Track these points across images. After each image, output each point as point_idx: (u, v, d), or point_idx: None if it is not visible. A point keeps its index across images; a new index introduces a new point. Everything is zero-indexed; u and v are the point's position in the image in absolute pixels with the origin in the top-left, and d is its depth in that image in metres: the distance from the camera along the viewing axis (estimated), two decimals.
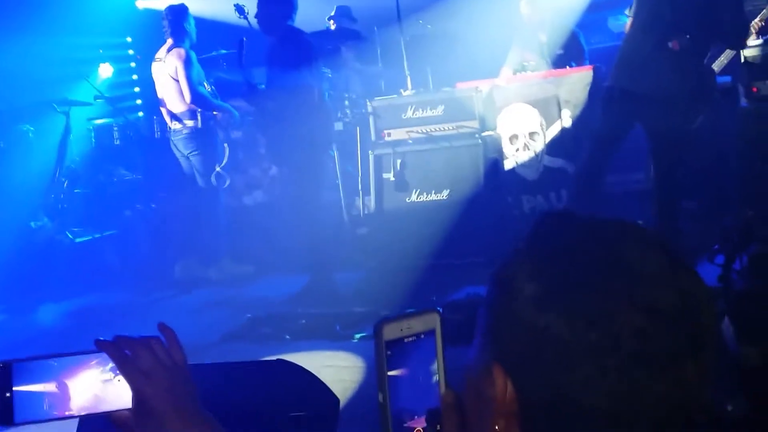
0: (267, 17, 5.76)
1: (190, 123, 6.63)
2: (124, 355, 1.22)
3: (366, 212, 6.44)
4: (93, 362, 1.24)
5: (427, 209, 5.90)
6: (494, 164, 5.94)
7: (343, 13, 7.68)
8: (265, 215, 6.96)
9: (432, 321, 1.00)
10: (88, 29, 8.56)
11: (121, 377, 1.22)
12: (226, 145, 6.80)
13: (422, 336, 0.99)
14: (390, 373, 0.97)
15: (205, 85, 6.71)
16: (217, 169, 6.71)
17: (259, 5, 5.79)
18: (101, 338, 1.25)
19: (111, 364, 1.23)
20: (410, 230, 5.87)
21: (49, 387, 1.21)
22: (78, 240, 7.20)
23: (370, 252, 6.13)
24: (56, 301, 6.58)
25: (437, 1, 7.86)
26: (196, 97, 6.52)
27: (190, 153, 6.67)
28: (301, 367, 2.48)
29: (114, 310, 6.23)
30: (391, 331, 0.97)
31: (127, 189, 7.70)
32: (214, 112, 6.72)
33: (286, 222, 6.38)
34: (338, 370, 4.11)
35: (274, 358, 2.78)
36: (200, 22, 7.01)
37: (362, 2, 7.50)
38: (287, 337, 4.79)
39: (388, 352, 0.97)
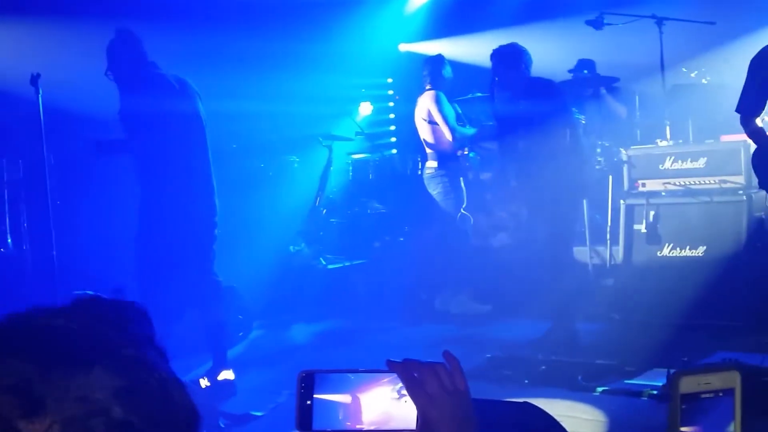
0: (505, 71, 5.82)
1: (435, 164, 6.90)
2: (413, 377, 1.29)
3: (613, 263, 6.27)
4: (384, 380, 1.31)
5: (680, 265, 5.64)
6: (759, 223, 5.56)
7: (584, 67, 7.58)
8: (509, 257, 6.98)
9: (732, 380, 0.98)
10: (354, 70, 9.16)
11: (408, 398, 1.30)
12: (463, 186, 6.96)
13: (720, 394, 0.97)
14: (682, 429, 0.96)
15: (458, 127, 6.92)
16: (462, 210, 6.89)
17: (493, 60, 5.86)
18: (392, 359, 1.34)
19: (400, 385, 1.31)
20: (660, 285, 5.64)
21: (344, 399, 1.31)
22: (330, 266, 7.64)
23: (615, 304, 5.95)
24: (307, 322, 7.02)
25: (704, 51, 7.53)
26: (448, 137, 6.77)
27: (436, 192, 6.92)
28: (547, 413, 2.46)
29: (357, 335, 6.54)
30: (687, 385, 0.96)
31: (378, 221, 8.07)
32: (464, 152, 6.91)
33: (530, 266, 6.35)
34: (579, 422, 4.02)
35: (520, 400, 2.78)
36: (458, 66, 7.28)
37: (624, 48, 7.36)
38: (526, 381, 4.77)
39: (683, 406, 0.96)
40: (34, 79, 5.25)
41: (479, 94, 7.88)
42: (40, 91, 5.30)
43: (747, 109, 4.72)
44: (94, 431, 0.84)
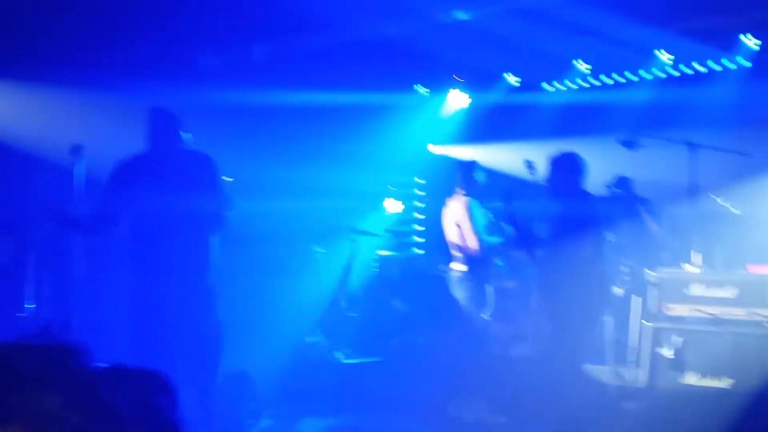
0: (558, 181, 5.91)
1: (462, 267, 6.90)
2: None
3: (635, 386, 6.18)
4: None
5: (706, 395, 5.54)
6: None
7: (620, 185, 7.67)
8: (527, 368, 6.89)
9: None
10: (386, 167, 9.30)
11: None
12: (489, 292, 6.95)
13: None
14: None
15: (485, 236, 6.94)
16: (485, 316, 6.86)
17: (552, 170, 5.96)
18: None
19: None
20: (683, 414, 5.53)
21: None
22: (346, 361, 7.57)
23: (635, 429, 5.83)
24: (318, 415, 6.92)
25: (736, 181, 7.61)
26: (474, 245, 6.80)
27: (461, 296, 6.90)
28: None
29: None
30: None
31: (398, 319, 8.04)
32: (491, 261, 6.94)
33: (548, 379, 6.28)
34: None
35: None
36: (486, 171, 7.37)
37: (655, 170, 7.45)
38: None
39: None
40: (75, 150, 5.38)
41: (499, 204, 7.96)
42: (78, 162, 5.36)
43: None
44: None
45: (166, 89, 7.20)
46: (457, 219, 6.93)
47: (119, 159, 5.34)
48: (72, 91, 7.15)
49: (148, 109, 5.39)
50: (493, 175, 7.87)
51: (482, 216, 6.99)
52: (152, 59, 7.66)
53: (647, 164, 7.39)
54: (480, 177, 7.11)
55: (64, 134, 7.04)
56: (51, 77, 6.96)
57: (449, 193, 7.20)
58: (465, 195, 7.00)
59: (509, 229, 6.57)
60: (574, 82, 9.35)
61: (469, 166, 7.17)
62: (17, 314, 7.07)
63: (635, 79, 8.87)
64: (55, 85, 7.06)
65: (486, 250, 6.91)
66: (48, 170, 7.14)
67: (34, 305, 7.03)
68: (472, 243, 6.85)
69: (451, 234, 6.99)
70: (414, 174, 10.19)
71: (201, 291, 5.12)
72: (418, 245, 9.78)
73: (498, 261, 7.09)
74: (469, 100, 9.83)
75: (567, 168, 5.91)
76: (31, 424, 0.94)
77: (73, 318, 6.42)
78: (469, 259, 6.91)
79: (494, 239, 7.00)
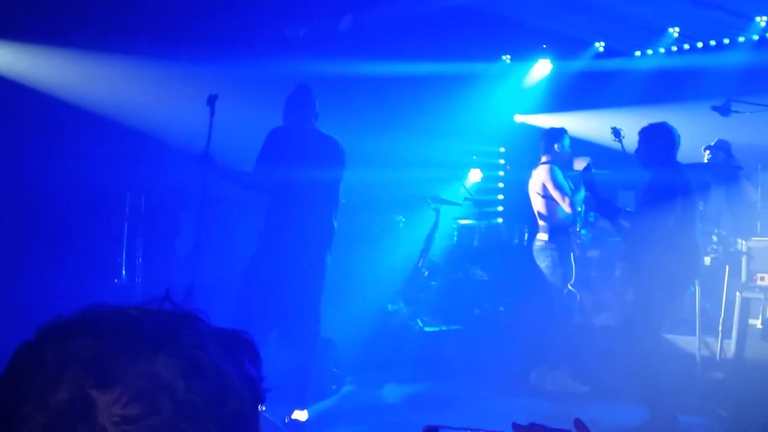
0: (647, 151, 5.76)
1: (546, 236, 6.81)
2: None
3: (723, 356, 6.02)
4: None
5: None
6: None
7: (721, 147, 7.43)
8: (611, 338, 6.80)
9: None
10: (468, 137, 9.25)
11: None
12: (573, 262, 6.85)
13: None
14: None
15: (571, 202, 6.84)
16: (569, 286, 6.77)
17: (641, 140, 5.81)
18: (518, 422, 1.33)
19: None
20: None
21: None
22: (427, 329, 7.61)
23: (722, 399, 5.69)
24: (399, 382, 6.99)
25: None
26: (556, 214, 6.71)
27: (545, 265, 6.82)
28: None
29: (449, 400, 6.47)
30: None
31: (479, 288, 8.02)
32: (576, 228, 6.83)
33: (632, 349, 6.17)
34: None
35: None
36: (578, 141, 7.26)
37: (750, 137, 7.18)
38: None
39: None
40: (211, 99, 5.32)
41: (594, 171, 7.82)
42: (214, 112, 5.34)
43: None
44: (160, 405, 0.93)
45: (253, 61, 7.33)
46: (540, 188, 6.84)
47: (272, 129, 5.48)
48: (163, 64, 7.35)
49: (296, 85, 5.54)
50: (578, 143, 7.75)
51: (566, 185, 6.87)
52: (239, 31, 7.80)
53: (741, 130, 7.14)
54: (566, 145, 6.99)
55: (156, 106, 7.29)
56: (141, 50, 7.16)
57: (534, 162, 7.10)
58: (549, 164, 6.89)
59: (592, 199, 6.44)
60: (666, 48, 9.06)
61: (556, 134, 7.05)
62: (115, 280, 7.38)
63: (727, 42, 8.54)
64: (146, 58, 7.27)
65: (569, 219, 6.81)
66: (138, 141, 7.37)
67: (126, 273, 7.32)
68: (555, 212, 6.76)
69: (538, 203, 6.91)
70: (497, 143, 10.11)
71: (316, 268, 5.32)
72: (499, 214, 9.71)
73: (582, 230, 6.97)
74: (552, 68, 9.66)
75: (657, 139, 5.74)
76: (138, 387, 0.93)
77: (194, 284, 6.69)
78: (555, 227, 6.82)
79: (577, 208, 6.89)
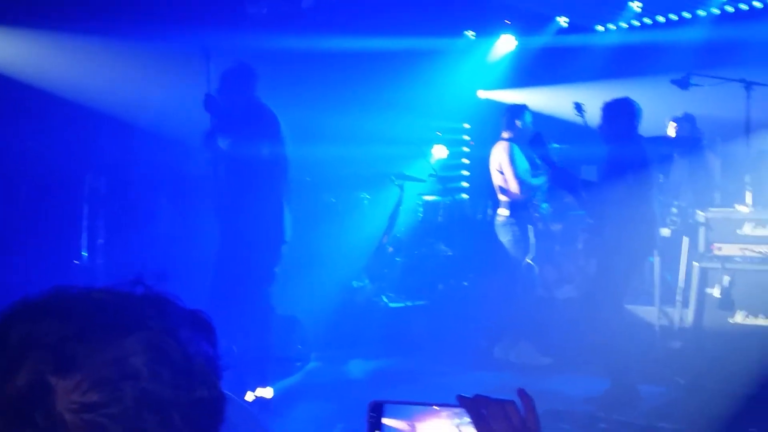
0: (610, 126, 5.78)
1: (507, 212, 6.84)
2: (480, 413, 1.29)
3: (682, 325, 6.11)
4: (443, 414, 1.32)
5: (752, 333, 5.46)
6: None
7: (687, 119, 7.48)
8: (574, 310, 6.86)
9: None
10: (432, 113, 9.24)
11: None
12: (532, 236, 6.89)
13: None
14: None
15: (526, 179, 6.84)
16: (528, 259, 6.82)
17: (605, 117, 5.82)
18: (463, 394, 1.33)
19: (458, 420, 1.31)
20: (729, 352, 5.45)
21: (404, 428, 1.31)
22: (391, 305, 7.63)
23: (680, 368, 5.77)
24: (365, 358, 7.01)
25: None
26: (515, 189, 6.74)
27: (506, 240, 6.85)
28: None
29: (414, 375, 6.50)
30: None
31: (443, 264, 8.05)
32: (536, 202, 6.87)
33: (594, 321, 6.23)
34: None
35: None
36: (534, 115, 7.27)
37: (709, 110, 7.25)
38: None
39: None
40: (209, 97, 5.49)
41: (556, 145, 7.85)
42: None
43: None
44: (123, 393, 0.90)
45: (215, 38, 7.23)
46: (500, 163, 6.86)
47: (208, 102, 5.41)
48: (121, 42, 7.23)
49: (231, 63, 5.51)
50: (540, 118, 7.76)
51: (525, 160, 6.89)
52: (201, 9, 7.69)
53: (701, 104, 7.21)
54: (528, 120, 7.00)
55: (114, 85, 7.18)
56: (99, 28, 7.05)
57: (495, 138, 7.12)
58: (508, 141, 6.90)
59: (552, 173, 6.47)
60: (627, 22, 9.10)
61: (517, 110, 7.06)
62: (74, 261, 7.30)
63: (687, 16, 8.60)
64: (106, 36, 7.15)
65: (530, 193, 6.83)
66: (100, 121, 7.27)
67: (87, 254, 7.24)
68: (515, 186, 6.77)
69: (497, 179, 6.93)
70: (461, 119, 10.10)
71: (262, 246, 5.28)
72: (464, 190, 9.74)
73: (543, 204, 7.00)
74: (516, 44, 9.67)
75: (619, 114, 5.76)
76: (101, 374, 0.90)
77: (168, 267, 6.62)
78: (515, 203, 6.84)
79: (537, 182, 6.90)
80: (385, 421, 1.30)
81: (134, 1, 7.28)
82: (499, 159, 6.86)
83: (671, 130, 7.42)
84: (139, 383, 0.91)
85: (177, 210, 7.58)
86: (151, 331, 0.95)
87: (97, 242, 7.45)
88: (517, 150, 6.87)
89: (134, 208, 7.61)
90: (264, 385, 5.25)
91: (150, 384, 0.92)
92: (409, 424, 1.31)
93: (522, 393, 1.34)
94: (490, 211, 7.28)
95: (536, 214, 6.92)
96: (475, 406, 1.29)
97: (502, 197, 6.92)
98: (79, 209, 7.38)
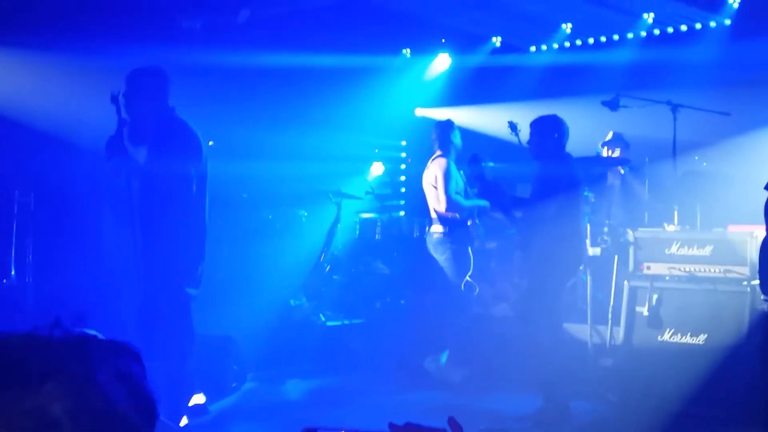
0: (538, 143, 5.91)
1: (442, 229, 6.90)
2: None
3: (612, 343, 6.25)
4: None
5: (680, 351, 5.60)
6: (762, 317, 5.54)
7: (618, 139, 7.67)
8: (508, 328, 6.95)
9: None
10: (369, 130, 9.29)
11: None
12: (471, 254, 6.97)
13: None
14: None
15: (455, 197, 6.90)
16: (467, 278, 6.89)
17: (532, 133, 5.95)
18: (394, 422, 1.35)
19: None
20: (658, 370, 5.61)
21: None
22: (329, 323, 7.62)
23: (611, 385, 5.91)
24: (302, 377, 6.98)
25: (717, 141, 7.63)
26: (450, 205, 6.81)
27: (443, 258, 6.91)
28: None
29: (352, 395, 6.49)
30: None
31: (380, 282, 8.08)
32: (474, 220, 6.95)
33: (528, 339, 6.33)
34: None
35: None
36: (469, 133, 7.37)
37: (637, 131, 7.45)
38: None
39: None
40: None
41: (491, 164, 7.96)
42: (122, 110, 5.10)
43: None
44: None
45: (149, 52, 7.14)
46: (434, 180, 6.91)
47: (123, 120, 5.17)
48: (53, 56, 7.09)
49: (136, 69, 5.24)
50: (475, 136, 7.87)
51: (459, 177, 6.97)
52: (135, 22, 7.59)
53: (630, 124, 7.40)
54: (457, 137, 7.08)
55: (43, 99, 7.02)
56: (30, 42, 6.90)
57: (430, 155, 7.18)
58: (444, 158, 6.97)
59: (484, 191, 6.56)
60: (559, 44, 9.31)
61: (446, 126, 7.14)
62: (3, 280, 7.09)
63: (616, 38, 8.85)
64: (35, 49, 7.00)
65: (465, 211, 6.91)
66: (29, 134, 7.10)
67: (15, 273, 7.04)
68: (449, 205, 6.83)
69: (431, 196, 6.97)
70: (398, 137, 10.18)
71: (171, 267, 5.06)
72: (401, 207, 9.81)
73: (478, 222, 7.09)
74: (452, 63, 9.81)
75: (547, 131, 5.90)
76: (19, 425, 0.87)
77: (88, 307, 6.41)
78: (448, 220, 6.90)
79: (467, 204, 6.97)
80: None
81: (67, 15, 7.15)
82: (435, 173, 6.91)
83: (603, 152, 7.61)
84: None
85: (107, 226, 7.43)
86: (69, 376, 0.93)
87: (26, 260, 7.26)
88: (453, 167, 6.94)
89: (63, 225, 7.44)
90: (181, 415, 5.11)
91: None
92: None
93: (452, 422, 1.36)
94: (427, 229, 7.31)
95: (473, 232, 6.97)
96: None
97: (435, 214, 6.96)
98: (7, 227, 7.18)
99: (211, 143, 6.29)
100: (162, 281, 4.97)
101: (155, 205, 5.03)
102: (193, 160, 5.07)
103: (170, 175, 4.99)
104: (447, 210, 6.83)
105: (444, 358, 6.76)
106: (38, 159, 7.28)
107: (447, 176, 6.85)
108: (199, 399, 5.26)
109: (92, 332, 1.02)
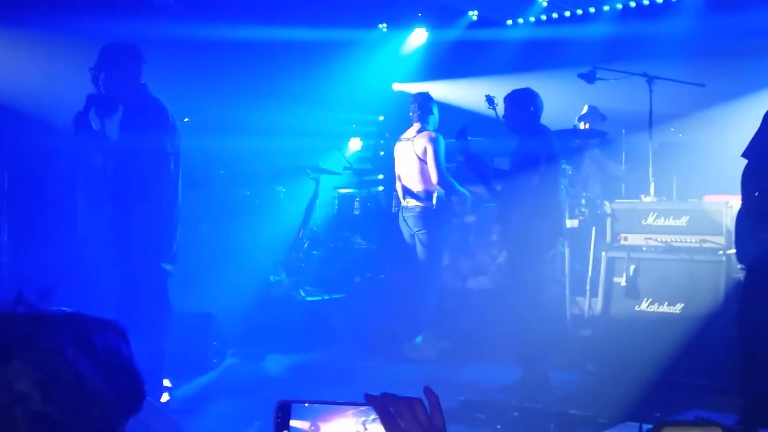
0: (514, 117, 5.92)
1: (424, 203, 6.89)
2: (388, 411, 1.32)
3: (591, 314, 6.31)
4: (349, 412, 1.35)
5: (657, 320, 5.68)
6: (738, 286, 5.61)
7: (593, 112, 7.70)
8: (487, 301, 7.00)
9: None
10: (347, 106, 9.25)
11: (373, 431, 1.32)
12: (448, 227, 6.99)
13: None
14: None
15: (438, 175, 6.90)
16: (445, 251, 6.91)
17: (507, 107, 5.96)
18: (370, 393, 1.36)
19: (364, 418, 1.34)
20: (636, 339, 5.67)
21: (309, 428, 1.33)
22: (309, 299, 7.63)
23: (590, 355, 5.98)
24: (282, 353, 6.98)
25: (693, 112, 7.68)
26: (442, 179, 6.80)
27: (419, 231, 6.90)
28: None
29: (332, 369, 6.52)
30: None
31: (360, 257, 8.09)
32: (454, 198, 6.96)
33: (507, 311, 6.38)
34: None
35: None
36: (447, 108, 7.36)
37: (614, 103, 7.48)
38: (498, 426, 4.76)
39: None
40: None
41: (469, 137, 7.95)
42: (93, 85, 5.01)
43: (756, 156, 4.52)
44: (14, 419, 0.89)
45: (123, 27, 7.03)
46: (424, 154, 6.88)
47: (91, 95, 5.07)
48: (26, 31, 6.97)
49: (108, 44, 5.14)
50: (453, 110, 7.85)
51: (443, 151, 6.96)
52: None
53: (607, 97, 7.43)
54: (436, 110, 7.07)
55: (17, 75, 6.91)
56: (1, 17, 6.77)
57: (408, 127, 7.16)
58: (427, 129, 6.95)
59: (469, 163, 6.56)
60: (536, 17, 9.30)
61: (426, 98, 7.12)
62: None
63: (592, 11, 8.86)
64: (6, 25, 6.88)
65: (450, 184, 6.91)
66: (2, 111, 6.99)
67: None
68: (441, 178, 6.82)
69: (413, 168, 6.94)
70: (376, 112, 10.14)
71: (147, 244, 5.02)
72: (380, 182, 9.80)
73: (457, 196, 7.09)
74: (428, 37, 9.78)
75: (521, 104, 5.91)
76: None
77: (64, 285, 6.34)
78: (428, 194, 6.90)
79: (453, 182, 6.96)
80: (292, 423, 1.32)
81: None
82: (425, 147, 6.86)
83: (580, 126, 7.63)
84: (29, 407, 0.90)
85: (83, 204, 7.36)
86: (37, 352, 0.93)
87: (2, 239, 7.18)
88: (443, 142, 6.92)
89: (39, 203, 7.36)
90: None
91: (41, 407, 0.90)
92: (314, 425, 1.34)
93: (428, 391, 1.38)
94: (406, 201, 7.26)
95: (451, 206, 6.97)
96: (382, 404, 1.32)
97: (417, 186, 6.92)
98: None
99: (186, 119, 6.25)
100: (138, 258, 4.94)
101: (130, 182, 4.98)
102: (168, 137, 5.02)
103: (145, 152, 4.94)
104: (438, 183, 6.82)
105: (419, 339, 6.79)
106: (12, 136, 7.18)
107: (440, 149, 6.84)
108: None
109: (67, 309, 1.02)
